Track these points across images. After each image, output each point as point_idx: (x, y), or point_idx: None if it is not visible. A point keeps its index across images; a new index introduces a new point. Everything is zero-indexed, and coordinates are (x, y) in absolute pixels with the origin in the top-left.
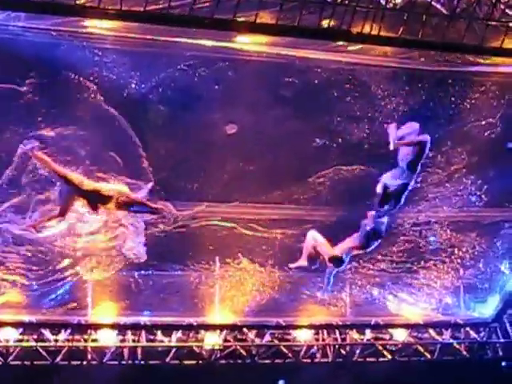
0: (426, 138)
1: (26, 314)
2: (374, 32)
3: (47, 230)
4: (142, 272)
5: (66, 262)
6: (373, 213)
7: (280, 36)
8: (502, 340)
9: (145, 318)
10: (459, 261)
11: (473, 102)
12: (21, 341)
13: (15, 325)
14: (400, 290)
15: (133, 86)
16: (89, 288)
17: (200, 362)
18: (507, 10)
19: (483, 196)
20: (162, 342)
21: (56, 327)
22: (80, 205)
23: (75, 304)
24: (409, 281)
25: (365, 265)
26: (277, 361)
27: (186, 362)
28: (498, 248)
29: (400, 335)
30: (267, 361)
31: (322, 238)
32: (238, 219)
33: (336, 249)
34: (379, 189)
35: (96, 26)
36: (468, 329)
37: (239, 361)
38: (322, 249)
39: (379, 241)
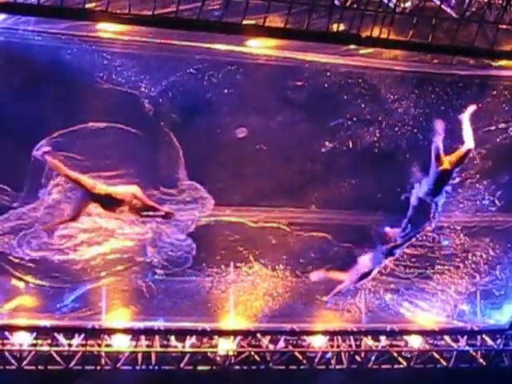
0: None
1: (40, 319)
2: (384, 35)
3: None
4: (156, 277)
5: (81, 266)
6: (394, 231)
7: (288, 39)
8: None
9: (158, 323)
10: (474, 266)
11: (485, 106)
12: (35, 345)
13: (29, 329)
14: (415, 296)
15: (142, 89)
16: (103, 293)
17: (214, 367)
18: None
19: (497, 201)
20: (175, 347)
21: (70, 332)
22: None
23: (89, 309)
24: (423, 286)
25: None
26: (291, 367)
27: (200, 368)
28: None
29: (415, 342)
30: (281, 367)
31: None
32: (251, 222)
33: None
34: (414, 201)
35: (105, 29)
36: (484, 336)
37: (253, 367)
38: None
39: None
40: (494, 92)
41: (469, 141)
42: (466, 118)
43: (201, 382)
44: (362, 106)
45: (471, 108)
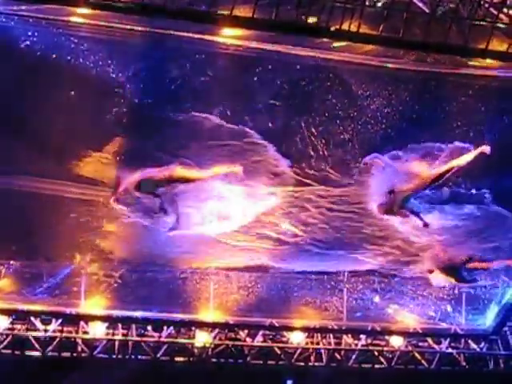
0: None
1: (18, 303)
2: (353, 29)
3: None
4: (136, 267)
5: (65, 253)
6: None
7: (256, 30)
8: (503, 352)
9: (136, 313)
10: None
11: (460, 105)
12: (12, 329)
13: (6, 312)
14: (398, 296)
15: (110, 74)
16: (82, 280)
17: (191, 359)
18: (492, 9)
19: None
20: (152, 337)
21: (47, 316)
22: None
23: (67, 295)
24: (408, 287)
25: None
26: (269, 362)
27: (176, 359)
28: None
29: (397, 342)
30: (259, 361)
31: None
32: None
33: None
34: None
35: (73, 13)
36: (468, 339)
37: (230, 360)
38: None
39: None
40: (470, 91)
41: None
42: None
43: (178, 373)
44: (333, 101)
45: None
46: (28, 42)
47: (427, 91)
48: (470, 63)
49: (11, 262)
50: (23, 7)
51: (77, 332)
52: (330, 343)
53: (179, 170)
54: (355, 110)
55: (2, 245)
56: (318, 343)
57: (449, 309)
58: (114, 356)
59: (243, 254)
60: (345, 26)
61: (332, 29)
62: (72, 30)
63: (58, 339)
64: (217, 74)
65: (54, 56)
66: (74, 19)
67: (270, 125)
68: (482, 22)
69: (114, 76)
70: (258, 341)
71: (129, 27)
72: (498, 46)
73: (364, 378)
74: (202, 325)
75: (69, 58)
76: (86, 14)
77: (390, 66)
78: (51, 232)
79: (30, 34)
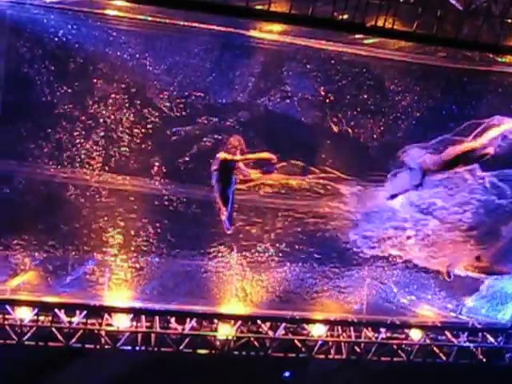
0: None
1: (43, 295)
2: (388, 25)
3: None
4: (160, 258)
5: (86, 244)
6: None
7: (292, 25)
8: None
9: (160, 305)
10: None
11: (490, 102)
12: (36, 321)
13: (31, 304)
14: (418, 289)
15: (147, 67)
16: (107, 272)
17: (213, 351)
18: None
19: None
20: (175, 329)
21: (71, 308)
22: None
23: (92, 287)
24: (427, 281)
25: (383, 263)
26: (290, 355)
27: (199, 351)
28: None
29: (416, 335)
30: (280, 354)
31: None
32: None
33: None
34: None
35: (109, 6)
36: (485, 333)
37: (252, 353)
38: None
39: None
40: (499, 89)
41: None
42: None
43: (199, 366)
44: (365, 96)
45: None
46: (67, 35)
47: (458, 88)
48: (501, 60)
49: (36, 254)
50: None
51: (100, 324)
52: (350, 336)
53: None
54: (387, 106)
55: (28, 236)
56: (338, 336)
57: (468, 302)
58: (138, 348)
59: None
60: (379, 23)
61: (368, 25)
62: (111, 23)
63: (81, 331)
64: (252, 67)
65: (91, 48)
66: (109, 12)
67: (302, 119)
68: None
69: (150, 69)
70: (280, 334)
71: (165, 21)
72: None
73: (361, 369)
74: (224, 317)
75: (106, 50)
76: (122, 7)
77: (421, 62)
78: (78, 224)
79: (69, 26)
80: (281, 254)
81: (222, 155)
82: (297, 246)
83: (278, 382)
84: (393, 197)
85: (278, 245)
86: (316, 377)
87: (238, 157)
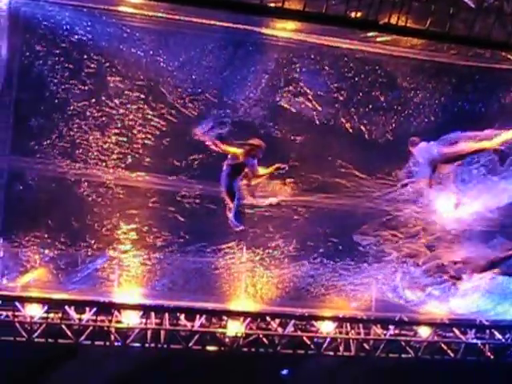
0: None
1: (53, 292)
2: (401, 23)
3: None
4: (170, 254)
5: (97, 241)
6: None
7: (306, 22)
8: None
9: (169, 302)
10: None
11: (501, 99)
12: (46, 318)
13: (41, 301)
14: (426, 285)
15: (161, 64)
16: (116, 269)
17: (222, 348)
18: None
19: None
20: (185, 326)
21: (81, 305)
22: None
23: (101, 284)
24: (436, 278)
25: (392, 261)
26: (299, 351)
27: (208, 348)
28: None
29: (424, 332)
30: (289, 351)
31: None
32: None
33: None
34: None
35: (125, 3)
36: (493, 330)
37: (261, 350)
38: None
39: None
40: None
41: None
42: None
43: (209, 363)
44: (377, 93)
45: None
46: (82, 32)
47: (470, 85)
48: None
49: (46, 251)
50: None
51: (110, 321)
52: (359, 333)
53: None
54: (399, 103)
55: (39, 233)
56: (347, 333)
57: (476, 300)
58: (147, 345)
59: None
60: (392, 21)
61: (381, 23)
62: (125, 20)
63: (91, 328)
64: (265, 65)
65: (106, 45)
66: (124, 9)
67: (315, 116)
68: None
69: (164, 65)
70: (289, 331)
71: (179, 18)
72: None
73: (360, 367)
74: (234, 314)
75: (121, 47)
76: (136, 4)
77: (434, 59)
78: (89, 221)
79: (84, 23)
80: (291, 251)
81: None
82: (307, 243)
83: (275, 380)
84: (403, 186)
85: (288, 242)
86: (315, 374)
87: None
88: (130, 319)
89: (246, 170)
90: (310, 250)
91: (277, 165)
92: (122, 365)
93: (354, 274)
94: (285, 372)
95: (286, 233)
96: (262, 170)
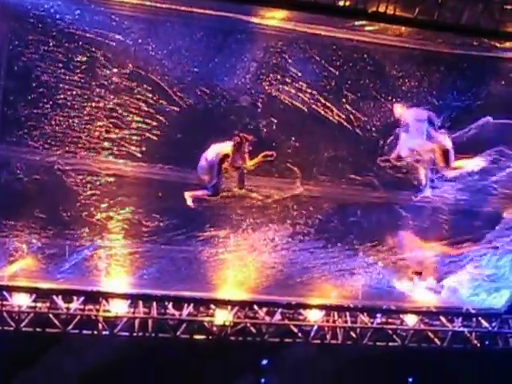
0: None
1: (40, 281)
2: (390, 12)
3: None
4: (158, 244)
5: (85, 230)
6: None
7: (295, 11)
8: None
9: (156, 291)
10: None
11: (489, 87)
12: (33, 307)
13: (28, 291)
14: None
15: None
16: (103, 258)
17: (210, 337)
18: None
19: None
20: (173, 315)
21: (68, 294)
22: None
23: (90, 273)
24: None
25: (380, 248)
26: (286, 340)
27: (196, 337)
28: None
29: (411, 321)
30: (276, 339)
31: None
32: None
33: None
34: None
35: None
36: (480, 318)
37: (249, 338)
38: None
39: None
40: (499, 74)
41: None
42: None
43: (197, 351)
44: (366, 81)
45: None
46: (70, 20)
47: (458, 73)
48: (500, 46)
49: (34, 240)
50: None
51: (98, 310)
52: (346, 321)
53: None
54: (387, 91)
55: (26, 222)
56: (334, 321)
57: (462, 288)
58: (135, 334)
59: None
60: (381, 9)
61: (369, 11)
62: (114, 9)
63: (78, 317)
64: (253, 53)
65: (94, 33)
66: None
67: (303, 104)
68: None
69: (153, 54)
70: (277, 319)
71: (168, 6)
72: None
73: (337, 356)
74: (221, 303)
75: (109, 35)
76: None
77: (422, 47)
78: (77, 210)
79: (72, 11)
80: (278, 240)
81: (224, 150)
82: (294, 232)
83: (255, 370)
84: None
85: (275, 231)
86: (301, 363)
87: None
88: (118, 308)
89: (231, 160)
90: (298, 239)
91: (264, 153)
92: (110, 353)
93: (342, 262)
94: (264, 362)
95: (273, 222)
96: (249, 160)
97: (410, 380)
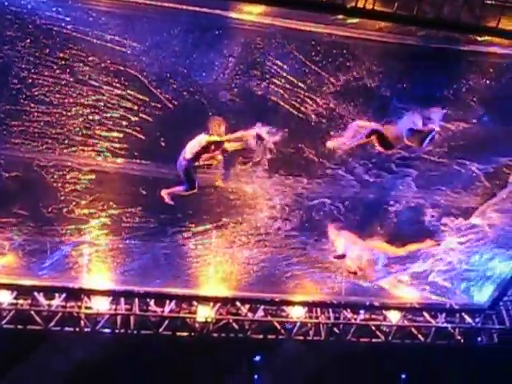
0: None
1: (22, 278)
2: (369, 6)
3: None
4: (139, 240)
5: (66, 226)
6: None
7: (273, 6)
8: (497, 326)
9: (138, 287)
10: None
11: (469, 83)
12: (15, 304)
13: (9, 287)
14: (396, 271)
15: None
16: (85, 254)
17: (192, 334)
18: None
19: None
20: (155, 312)
21: (50, 291)
22: None
23: (71, 270)
24: (405, 263)
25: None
26: (269, 336)
27: (178, 334)
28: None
29: (394, 317)
30: (259, 336)
31: None
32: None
33: None
34: None
35: None
36: (463, 314)
37: (231, 335)
38: None
39: None
40: (479, 69)
41: None
42: None
43: (179, 348)
44: (345, 76)
45: None
46: (47, 16)
47: (438, 68)
48: (480, 40)
49: (15, 236)
50: None
51: (80, 307)
52: (329, 318)
53: None
54: (367, 86)
55: (6, 219)
56: (317, 318)
57: (446, 284)
58: (117, 331)
59: None
60: (360, 4)
61: (348, 6)
62: (91, 4)
63: (60, 314)
64: (231, 49)
65: (71, 29)
66: None
67: (281, 99)
68: (493, 1)
69: (130, 50)
70: (259, 316)
71: (145, 2)
72: (509, 24)
73: (328, 352)
74: (203, 299)
75: (87, 30)
76: None
77: (401, 42)
78: (58, 206)
79: (49, 7)
80: (260, 236)
81: (205, 138)
82: (276, 228)
83: (248, 366)
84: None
85: (257, 227)
86: (285, 360)
87: (224, 137)
88: (100, 305)
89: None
90: (279, 235)
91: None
92: (92, 351)
93: (324, 258)
94: (257, 358)
95: (255, 218)
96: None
97: (403, 377)
